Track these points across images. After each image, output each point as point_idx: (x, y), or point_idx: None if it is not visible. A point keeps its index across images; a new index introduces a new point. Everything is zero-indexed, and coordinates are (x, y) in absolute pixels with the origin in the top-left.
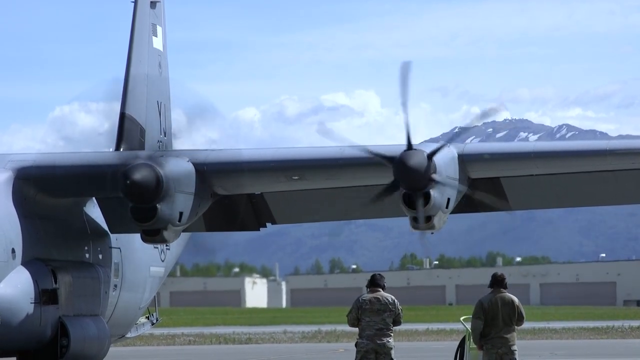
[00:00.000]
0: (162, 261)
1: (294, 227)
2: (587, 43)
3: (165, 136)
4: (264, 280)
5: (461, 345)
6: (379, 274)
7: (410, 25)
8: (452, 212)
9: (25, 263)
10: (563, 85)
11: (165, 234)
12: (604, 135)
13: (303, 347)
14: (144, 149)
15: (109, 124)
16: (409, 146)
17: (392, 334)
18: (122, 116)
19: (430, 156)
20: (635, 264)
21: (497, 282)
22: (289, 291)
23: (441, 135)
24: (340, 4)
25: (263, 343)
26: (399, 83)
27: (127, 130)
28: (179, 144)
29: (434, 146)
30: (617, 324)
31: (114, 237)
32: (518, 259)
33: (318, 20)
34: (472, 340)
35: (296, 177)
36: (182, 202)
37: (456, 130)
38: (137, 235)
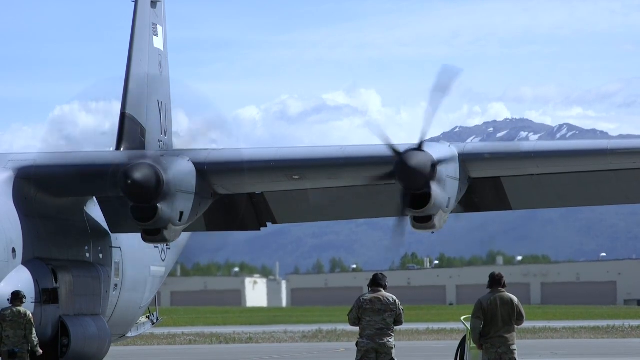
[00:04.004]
0: (163, 261)
1: (294, 227)
2: (588, 42)
3: (165, 135)
4: (265, 280)
5: (462, 345)
6: (381, 274)
7: (411, 24)
8: (453, 212)
9: (25, 262)
10: (566, 84)
11: (166, 233)
12: (604, 135)
13: (304, 347)
14: (144, 149)
15: (110, 123)
16: (420, 146)
17: (392, 334)
18: (123, 116)
19: (435, 165)
20: (635, 263)
21: (495, 281)
22: (289, 291)
23: (442, 134)
24: (342, 3)
25: (263, 342)
26: (435, 85)
27: (127, 129)
28: (179, 144)
29: (442, 154)
30: (617, 323)
31: (114, 237)
32: (519, 258)
33: (320, 19)
34: (472, 339)
35: (297, 177)
36: (182, 202)
37: (457, 129)
38: (138, 235)
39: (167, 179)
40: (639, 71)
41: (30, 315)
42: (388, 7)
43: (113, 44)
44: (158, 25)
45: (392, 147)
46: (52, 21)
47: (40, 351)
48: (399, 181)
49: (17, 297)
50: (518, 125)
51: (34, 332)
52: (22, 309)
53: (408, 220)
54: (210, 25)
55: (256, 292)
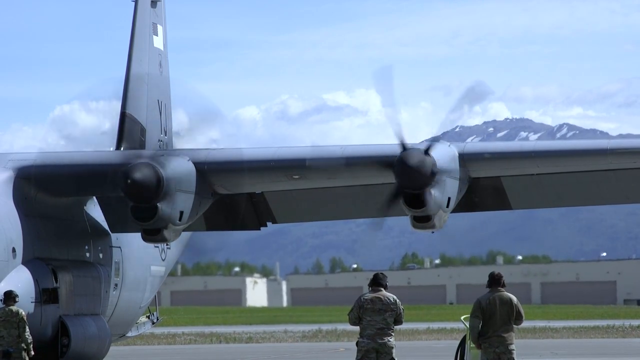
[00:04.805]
0: (163, 260)
1: (294, 226)
2: (589, 41)
3: (165, 135)
4: (265, 280)
5: (462, 344)
6: (382, 273)
7: (411, 24)
8: (453, 211)
9: (25, 262)
10: (566, 84)
11: (166, 233)
12: (604, 135)
13: (304, 346)
14: (144, 148)
15: (110, 123)
16: (404, 146)
17: (393, 334)
18: (123, 115)
19: (427, 151)
20: (635, 263)
21: (495, 281)
22: (289, 290)
23: (442, 134)
24: (342, 3)
25: (263, 342)
26: (381, 87)
27: (127, 129)
28: (180, 144)
29: (442, 154)
30: (617, 323)
31: (114, 236)
32: (519, 257)
33: (320, 18)
34: (471, 339)
35: (297, 177)
36: (182, 202)
37: (457, 129)
38: (138, 235)
39: (167, 178)
40: (639, 71)
41: (23, 313)
42: (388, 7)
43: (113, 44)
44: (158, 25)
45: (403, 144)
46: (52, 21)
47: (33, 352)
48: (399, 181)
49: (9, 297)
50: (518, 125)
51: (27, 330)
52: (14, 307)
53: (390, 211)
54: (210, 25)
55: (256, 292)
